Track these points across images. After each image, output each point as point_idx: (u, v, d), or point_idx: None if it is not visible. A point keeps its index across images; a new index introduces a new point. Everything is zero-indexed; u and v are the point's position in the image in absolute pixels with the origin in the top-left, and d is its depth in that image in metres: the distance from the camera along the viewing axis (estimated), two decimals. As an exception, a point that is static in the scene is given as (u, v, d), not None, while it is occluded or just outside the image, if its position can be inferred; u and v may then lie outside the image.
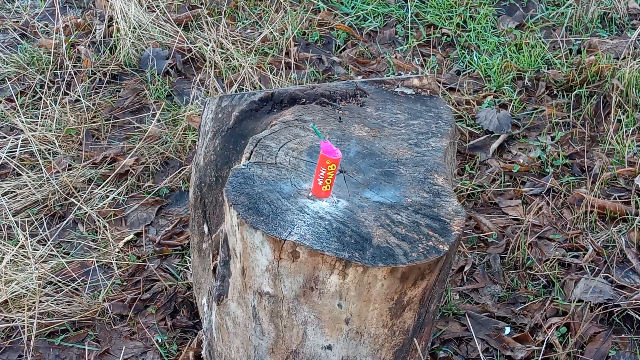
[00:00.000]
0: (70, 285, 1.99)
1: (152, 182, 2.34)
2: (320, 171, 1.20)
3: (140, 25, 2.88)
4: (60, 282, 1.99)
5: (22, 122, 2.46)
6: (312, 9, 3.10)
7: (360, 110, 1.52)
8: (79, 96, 2.64)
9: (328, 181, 1.21)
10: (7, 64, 2.80)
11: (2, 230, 2.17)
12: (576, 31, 2.98)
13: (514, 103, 2.60)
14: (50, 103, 2.59)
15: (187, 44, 2.85)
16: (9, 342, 1.87)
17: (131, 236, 2.16)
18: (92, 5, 3.17)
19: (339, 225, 1.20)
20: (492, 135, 2.49)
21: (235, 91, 2.60)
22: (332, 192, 1.25)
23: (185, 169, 2.36)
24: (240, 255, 1.25)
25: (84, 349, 1.85)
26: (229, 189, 1.24)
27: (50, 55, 2.77)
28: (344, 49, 2.93)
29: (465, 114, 2.56)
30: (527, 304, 1.96)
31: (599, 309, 1.90)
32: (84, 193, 2.27)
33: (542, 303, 1.95)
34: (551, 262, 2.05)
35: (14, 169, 2.35)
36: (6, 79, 2.74)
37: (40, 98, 2.63)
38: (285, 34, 2.90)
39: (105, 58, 2.82)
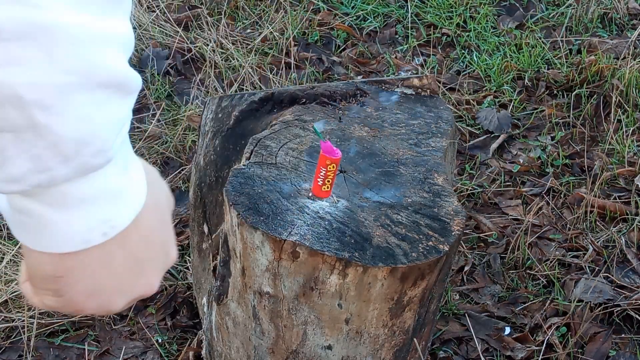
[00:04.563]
0: (70, 285, 1.99)
1: (152, 182, 2.34)
2: (320, 171, 1.20)
3: (140, 25, 2.88)
4: (60, 282, 1.99)
5: (22, 122, 2.46)
6: (312, 9, 3.10)
7: (360, 110, 1.52)
8: (79, 96, 2.64)
9: (328, 181, 1.21)
10: (7, 64, 2.79)
11: (2, 230, 2.16)
12: (576, 31, 2.98)
13: (514, 103, 2.60)
14: (50, 103, 2.59)
15: (187, 44, 2.85)
16: (9, 342, 1.87)
17: (131, 236, 2.15)
18: (92, 5, 3.16)
19: (339, 225, 1.20)
20: (492, 135, 2.49)
21: (235, 91, 2.59)
22: (332, 192, 1.25)
23: (185, 169, 2.36)
24: (240, 255, 1.25)
25: (84, 349, 1.85)
26: (229, 189, 1.24)
27: (50, 55, 2.76)
28: (344, 49, 2.93)
29: (465, 114, 2.56)
30: (527, 304, 1.96)
31: (599, 309, 1.90)
32: (84, 193, 2.26)
33: (542, 303, 1.95)
34: (551, 262, 2.05)
35: (14, 169, 2.35)
36: (6, 79, 2.74)
37: (40, 98, 2.62)
38: (285, 34, 2.90)
39: (105, 58, 2.81)
